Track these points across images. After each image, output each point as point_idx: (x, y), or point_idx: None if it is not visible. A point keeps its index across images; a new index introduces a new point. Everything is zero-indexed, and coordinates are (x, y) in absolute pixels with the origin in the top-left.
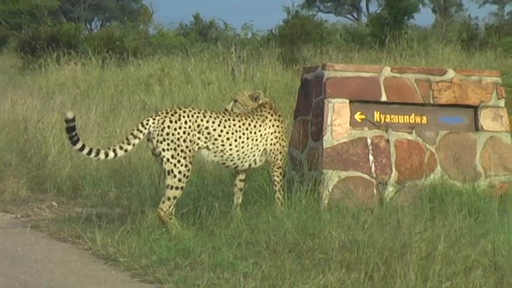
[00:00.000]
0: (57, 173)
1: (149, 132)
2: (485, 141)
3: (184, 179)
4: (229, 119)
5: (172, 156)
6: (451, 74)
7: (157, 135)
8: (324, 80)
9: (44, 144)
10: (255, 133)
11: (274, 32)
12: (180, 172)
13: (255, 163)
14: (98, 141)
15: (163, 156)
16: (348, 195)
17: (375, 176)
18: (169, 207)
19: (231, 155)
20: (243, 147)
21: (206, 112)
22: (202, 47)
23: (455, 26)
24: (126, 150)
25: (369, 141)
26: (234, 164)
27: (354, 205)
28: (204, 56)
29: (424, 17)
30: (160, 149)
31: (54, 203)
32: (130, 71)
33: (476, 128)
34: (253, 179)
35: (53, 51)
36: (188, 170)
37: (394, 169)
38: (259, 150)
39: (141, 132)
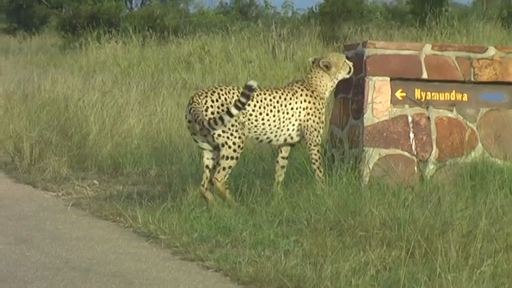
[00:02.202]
0: (98, 151)
1: (189, 113)
2: None
3: (238, 150)
4: (260, 93)
5: (223, 131)
6: (491, 51)
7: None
8: (365, 57)
9: (84, 122)
10: (285, 106)
11: (314, 10)
12: (234, 143)
13: (291, 138)
14: (138, 120)
15: (214, 133)
16: (388, 172)
17: (415, 153)
18: (225, 176)
19: (263, 129)
20: (274, 121)
21: (240, 88)
22: (243, 25)
23: (495, 3)
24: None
25: (410, 118)
26: (267, 138)
27: (394, 183)
28: (245, 34)
29: None
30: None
31: (95, 181)
32: (171, 49)
33: None
34: (294, 156)
35: (94, 30)
36: (242, 142)
37: (434, 147)
38: (293, 125)
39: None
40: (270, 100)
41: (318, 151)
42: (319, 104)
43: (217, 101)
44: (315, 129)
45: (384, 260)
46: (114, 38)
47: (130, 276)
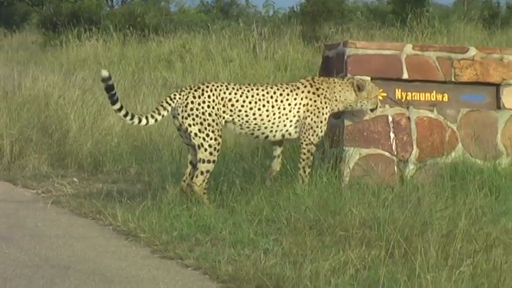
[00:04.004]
0: (78, 149)
1: (174, 108)
2: (506, 120)
3: (215, 152)
4: (252, 89)
5: (200, 131)
6: (472, 51)
7: (182, 111)
8: (346, 57)
9: (65, 120)
10: (281, 101)
11: (295, 9)
12: (210, 146)
13: (290, 134)
14: (118, 118)
15: (191, 132)
16: (368, 172)
17: (395, 153)
18: (203, 181)
19: (256, 124)
20: (268, 116)
21: (229, 84)
22: (224, 24)
23: (476, 4)
24: (156, 120)
25: (390, 118)
26: (263, 133)
27: (374, 182)
28: (225, 33)
29: None
30: (186, 125)
31: (75, 179)
32: (152, 47)
33: (498, 106)
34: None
35: (74, 28)
36: (218, 144)
37: (415, 147)
38: (291, 121)
39: (169, 104)
40: (263, 95)
41: (308, 151)
42: (320, 103)
43: (199, 97)
44: (311, 128)
45: (364, 260)
46: (94, 36)
47: (110, 274)
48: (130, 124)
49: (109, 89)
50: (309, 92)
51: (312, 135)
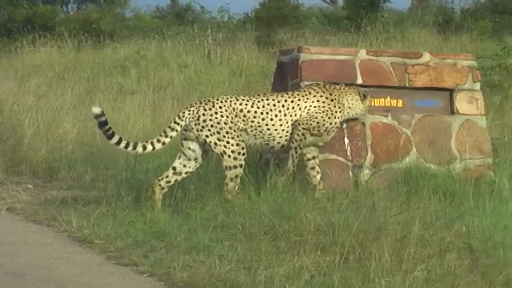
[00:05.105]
0: (33, 155)
1: (186, 124)
2: (460, 124)
3: (239, 156)
4: (262, 99)
5: (219, 139)
6: (426, 57)
7: (195, 124)
8: (300, 62)
9: (19, 126)
10: (293, 108)
11: (250, 15)
12: (233, 151)
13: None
14: (73, 124)
15: (210, 143)
16: (323, 177)
17: (350, 158)
18: (234, 187)
19: (270, 134)
20: (281, 125)
21: (239, 96)
22: (179, 30)
23: (431, 10)
24: (163, 143)
25: (345, 124)
26: (279, 143)
27: (329, 188)
28: (180, 39)
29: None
30: (203, 137)
31: (29, 186)
32: (107, 53)
33: (452, 111)
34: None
35: (29, 34)
36: (242, 148)
37: (369, 152)
38: None
39: (178, 124)
40: (274, 105)
41: (303, 134)
42: (334, 107)
43: (210, 109)
44: (318, 122)
45: (318, 265)
46: (49, 42)
47: (65, 280)
48: (135, 154)
49: (102, 125)
50: (321, 96)
51: (315, 126)
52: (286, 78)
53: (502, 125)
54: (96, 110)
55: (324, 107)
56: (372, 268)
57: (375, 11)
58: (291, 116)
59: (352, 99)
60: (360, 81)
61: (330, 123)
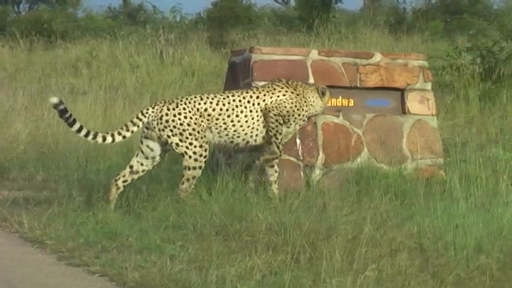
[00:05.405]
0: None
1: (148, 122)
2: (411, 124)
3: (200, 158)
4: (228, 96)
5: (181, 140)
6: (377, 57)
7: (157, 124)
8: (251, 63)
9: None
10: (258, 104)
11: (202, 15)
12: (195, 153)
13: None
14: (25, 124)
15: (171, 143)
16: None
17: (302, 159)
18: (190, 187)
19: (235, 131)
20: (247, 121)
21: (203, 95)
22: (131, 30)
23: (383, 10)
24: (124, 137)
25: None
26: (243, 140)
27: (281, 188)
28: (132, 39)
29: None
30: (165, 137)
31: None
32: (59, 54)
33: (403, 111)
34: (181, 162)
35: None
36: (205, 150)
37: (321, 152)
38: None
39: (140, 120)
40: (240, 101)
41: (277, 120)
42: (299, 102)
43: (174, 109)
44: (287, 112)
45: (270, 265)
46: (0, 42)
47: (16, 281)
48: (94, 143)
49: (62, 113)
50: (286, 91)
51: (284, 115)
52: (238, 78)
53: (453, 125)
54: (54, 99)
55: (291, 98)
56: (322, 268)
57: (327, 11)
58: (256, 112)
59: (312, 97)
60: (311, 81)
61: (299, 114)
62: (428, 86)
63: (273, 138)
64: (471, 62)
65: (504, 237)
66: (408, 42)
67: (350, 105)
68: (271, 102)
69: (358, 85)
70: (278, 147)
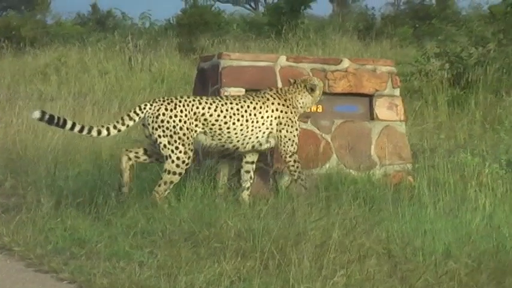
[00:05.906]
0: None
1: (144, 118)
2: (380, 130)
3: (182, 165)
4: (226, 103)
5: (169, 143)
6: (346, 63)
7: (152, 121)
8: (220, 69)
9: None
10: (255, 115)
11: (172, 21)
12: (178, 158)
13: (260, 145)
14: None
15: (160, 143)
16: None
17: (270, 165)
18: (165, 191)
19: (229, 137)
20: (241, 130)
21: (202, 99)
22: (100, 37)
23: (352, 16)
24: (119, 130)
25: None
26: (234, 146)
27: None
28: (101, 46)
29: (321, 7)
30: (156, 136)
31: None
32: (27, 60)
33: (372, 117)
34: (150, 168)
35: None
36: (188, 157)
37: None
38: (263, 133)
39: (137, 115)
40: (237, 110)
41: (294, 160)
42: (291, 113)
43: (171, 110)
44: (289, 139)
45: (239, 271)
46: None
47: None
48: (89, 137)
49: (50, 121)
50: (278, 104)
51: (291, 146)
52: (207, 84)
53: (421, 131)
54: (36, 114)
55: (283, 117)
56: (291, 274)
57: (296, 17)
58: (252, 122)
59: (301, 98)
60: (280, 87)
61: (296, 129)
62: (397, 91)
63: (296, 175)
64: (440, 68)
65: (472, 242)
66: (377, 48)
67: (319, 111)
68: (268, 118)
69: (327, 91)
70: (303, 183)
